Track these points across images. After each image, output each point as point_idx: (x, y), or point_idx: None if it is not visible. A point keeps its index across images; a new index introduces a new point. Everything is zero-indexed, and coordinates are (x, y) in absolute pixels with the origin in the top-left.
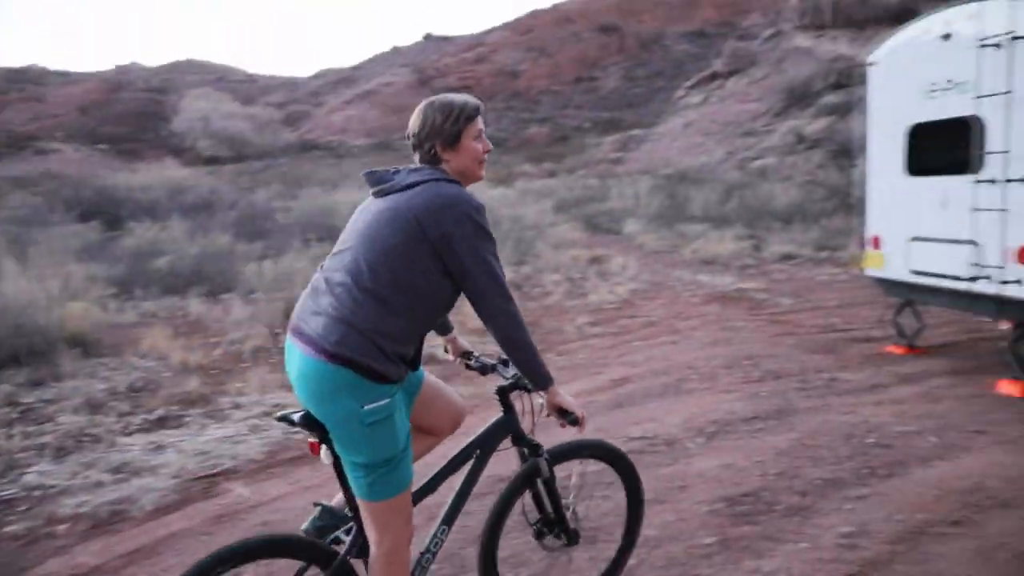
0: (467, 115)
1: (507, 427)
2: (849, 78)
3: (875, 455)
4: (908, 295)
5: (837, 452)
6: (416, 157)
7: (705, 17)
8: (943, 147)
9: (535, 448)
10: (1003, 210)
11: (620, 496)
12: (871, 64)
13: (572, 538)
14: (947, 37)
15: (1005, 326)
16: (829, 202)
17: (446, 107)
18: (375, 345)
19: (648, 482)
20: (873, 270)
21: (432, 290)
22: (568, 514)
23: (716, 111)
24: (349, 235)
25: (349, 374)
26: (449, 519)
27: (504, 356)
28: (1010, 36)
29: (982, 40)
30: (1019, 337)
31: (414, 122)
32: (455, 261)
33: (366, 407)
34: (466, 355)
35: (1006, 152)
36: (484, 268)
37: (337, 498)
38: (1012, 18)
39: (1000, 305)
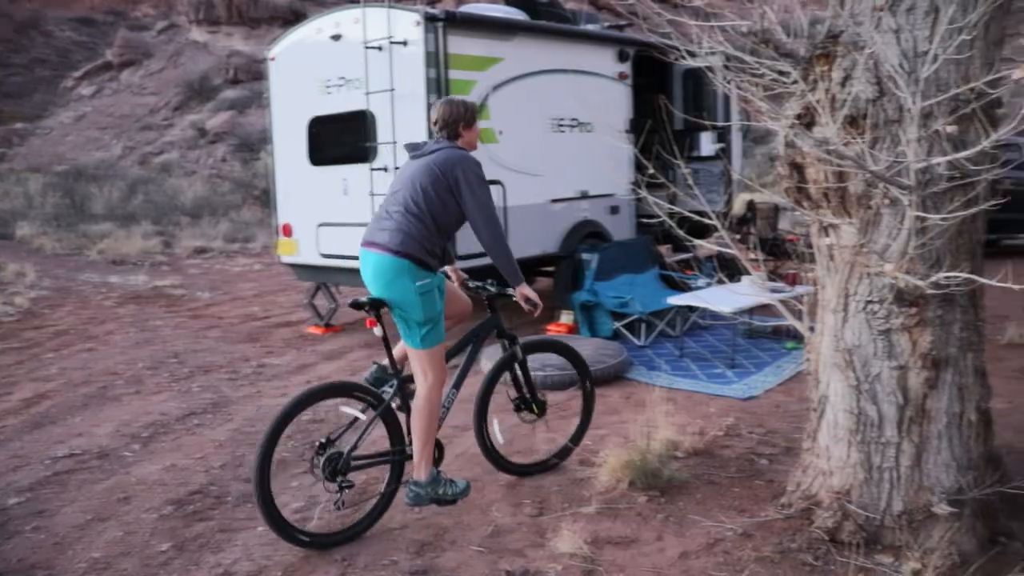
0: (477, 108)
1: (493, 323)
2: (248, 73)
3: (313, 430)
4: (321, 278)
5: None
6: (442, 135)
7: (92, 3)
8: (342, 138)
9: (513, 339)
10: None
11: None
12: (271, 60)
13: (542, 411)
14: (337, 38)
15: None
16: (236, 195)
17: (464, 102)
18: (422, 246)
19: (86, 501)
20: (287, 256)
21: (449, 214)
22: (538, 393)
23: (112, 104)
24: (399, 182)
25: (407, 263)
26: (458, 384)
27: (490, 280)
28: (389, 40)
29: (367, 43)
30: None
31: (443, 111)
32: (461, 196)
33: (418, 283)
34: (464, 281)
35: (394, 143)
36: (480, 201)
37: (385, 361)
38: (390, 25)
39: None
